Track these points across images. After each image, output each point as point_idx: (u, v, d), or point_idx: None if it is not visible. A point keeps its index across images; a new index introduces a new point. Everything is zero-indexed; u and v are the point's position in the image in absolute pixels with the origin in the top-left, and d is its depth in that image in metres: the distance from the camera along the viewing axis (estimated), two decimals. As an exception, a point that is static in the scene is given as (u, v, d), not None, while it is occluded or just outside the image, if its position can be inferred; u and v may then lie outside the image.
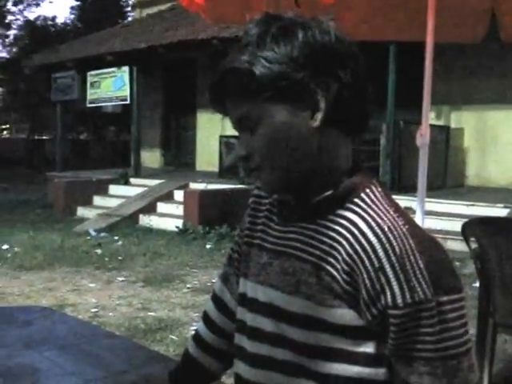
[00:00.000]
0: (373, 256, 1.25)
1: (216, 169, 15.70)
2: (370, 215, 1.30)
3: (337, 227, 1.32)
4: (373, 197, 1.35)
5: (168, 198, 14.05)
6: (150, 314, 7.00)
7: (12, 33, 36.76)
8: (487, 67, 12.91)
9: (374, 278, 1.24)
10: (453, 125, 13.40)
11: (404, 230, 1.27)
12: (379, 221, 1.28)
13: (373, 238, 1.26)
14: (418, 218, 4.37)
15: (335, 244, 1.31)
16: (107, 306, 7.30)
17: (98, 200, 15.34)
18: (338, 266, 1.29)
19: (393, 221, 1.29)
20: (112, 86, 16.95)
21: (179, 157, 19.00)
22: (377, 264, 1.24)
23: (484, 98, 13.02)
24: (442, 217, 10.42)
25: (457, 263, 8.15)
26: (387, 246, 1.24)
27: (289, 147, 1.32)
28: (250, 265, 1.51)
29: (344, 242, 1.29)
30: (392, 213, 1.31)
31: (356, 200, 1.34)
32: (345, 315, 1.29)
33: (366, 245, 1.26)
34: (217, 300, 1.77)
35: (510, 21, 4.59)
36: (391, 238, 1.25)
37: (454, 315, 1.25)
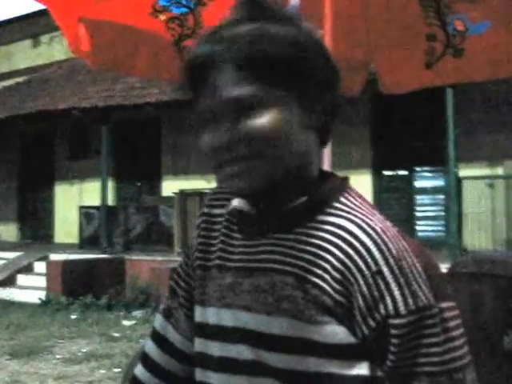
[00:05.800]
0: (369, 259, 1.12)
1: (75, 240, 15.46)
2: (357, 217, 1.18)
3: (321, 233, 1.18)
4: (353, 200, 1.23)
5: (28, 269, 13.76)
6: (20, 387, 6.81)
7: None
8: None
9: (372, 284, 1.11)
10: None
11: (395, 231, 1.17)
12: (369, 222, 1.16)
13: (366, 239, 1.14)
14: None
15: (321, 252, 1.16)
16: (-27, 383, 7.04)
17: (-48, 275, 14.73)
18: (327, 276, 1.14)
19: (383, 221, 1.18)
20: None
21: (37, 229, 18.52)
22: (374, 267, 1.12)
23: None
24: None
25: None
26: (383, 247, 1.13)
27: (282, 140, 1.18)
28: (207, 290, 1.31)
29: (332, 249, 1.15)
30: (378, 215, 1.20)
31: (337, 204, 1.21)
32: (336, 332, 1.14)
33: (359, 247, 1.13)
34: (159, 339, 1.49)
35: (388, 73, 4.20)
36: (386, 239, 1.14)
37: (455, 323, 1.16)
